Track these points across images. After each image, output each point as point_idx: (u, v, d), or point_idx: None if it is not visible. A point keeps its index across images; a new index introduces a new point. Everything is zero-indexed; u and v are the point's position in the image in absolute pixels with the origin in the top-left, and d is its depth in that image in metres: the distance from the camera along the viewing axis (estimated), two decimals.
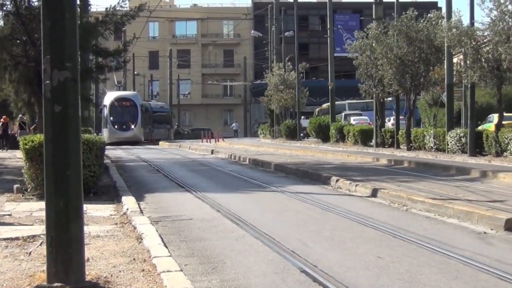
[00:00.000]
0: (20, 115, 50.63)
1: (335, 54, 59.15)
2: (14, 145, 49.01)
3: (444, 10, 38.35)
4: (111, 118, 73.44)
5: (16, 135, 51.05)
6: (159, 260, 10.07)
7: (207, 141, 68.18)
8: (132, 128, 73.84)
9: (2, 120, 49.62)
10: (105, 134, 68.91)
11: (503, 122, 35.95)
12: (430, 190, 19.84)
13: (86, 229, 9.51)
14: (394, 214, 16.03)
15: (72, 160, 8.51)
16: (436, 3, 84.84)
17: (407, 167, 30.37)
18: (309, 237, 12.88)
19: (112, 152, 46.74)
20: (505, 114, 41.58)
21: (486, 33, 32.65)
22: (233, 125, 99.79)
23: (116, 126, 73.23)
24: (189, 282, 8.72)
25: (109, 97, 76.11)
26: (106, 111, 74.25)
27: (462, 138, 34.86)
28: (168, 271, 9.32)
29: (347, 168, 29.05)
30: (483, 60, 32.30)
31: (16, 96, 39.65)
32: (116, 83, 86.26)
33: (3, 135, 50.59)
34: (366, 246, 11.91)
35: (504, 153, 31.49)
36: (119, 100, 75.21)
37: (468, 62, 33.14)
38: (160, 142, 72.41)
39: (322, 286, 9.14)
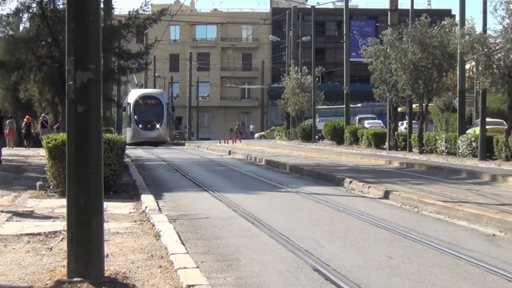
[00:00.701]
0: (43, 115, 50.86)
1: (351, 59, 58.96)
2: (36, 144, 49.29)
3: (457, 17, 38.24)
4: (135, 117, 68.38)
5: (38, 133, 51.34)
6: (176, 257, 10.09)
7: (225, 142, 68.18)
8: (157, 128, 68.22)
9: (25, 120, 49.86)
10: (128, 134, 66.79)
11: (489, 127, 36.78)
12: (441, 193, 19.78)
13: (106, 226, 9.54)
14: (405, 216, 16.01)
15: (94, 159, 8.54)
16: (450, 10, 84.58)
17: (418, 170, 30.30)
18: (323, 237, 12.88)
19: (132, 152, 46.84)
20: (491, 119, 42.45)
21: (498, 40, 32.58)
22: (250, 127, 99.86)
23: (140, 126, 67.75)
24: (205, 279, 8.73)
25: (134, 95, 71.49)
26: (130, 110, 69.43)
27: (473, 143, 34.78)
28: (185, 267, 9.33)
29: (360, 170, 29.00)
30: (495, 66, 32.23)
31: (41, 96, 39.86)
32: (136, 84, 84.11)
33: (27, 134, 50.83)
34: (377, 246, 11.90)
35: None
36: (144, 98, 70.51)
37: (480, 68, 33.07)
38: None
39: (334, 284, 9.14)
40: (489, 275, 9.76)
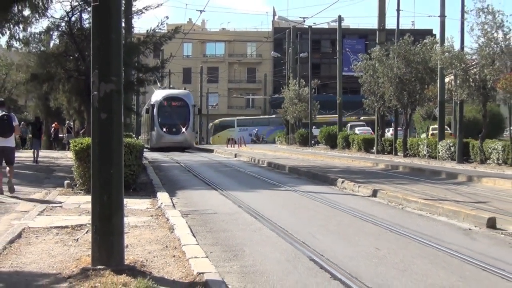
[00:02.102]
0: (67, 122, 51.12)
1: (343, 73, 59.03)
2: (63, 147, 49.58)
3: (438, 36, 38.27)
4: (159, 120, 58.03)
5: (64, 138, 51.66)
6: (188, 247, 10.08)
7: (231, 146, 68.06)
8: (183, 132, 57.82)
9: (54, 125, 50.00)
10: (151, 138, 59.82)
11: (434, 132, 38.25)
12: (423, 192, 19.79)
13: (125, 220, 9.55)
14: (391, 212, 15.99)
15: (115, 160, 8.55)
16: (431, 30, 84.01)
17: (403, 171, 30.28)
18: (318, 231, 12.86)
19: (149, 154, 46.78)
20: (436, 126, 44.05)
21: (474, 57, 32.59)
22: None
23: (164, 129, 57.54)
24: (213, 267, 8.72)
25: (157, 96, 60.40)
26: (153, 112, 58.73)
27: (451, 147, 34.86)
28: (196, 257, 9.33)
29: (351, 172, 28.98)
30: (471, 80, 32.31)
31: (68, 105, 40.04)
32: (159, 86, 69.19)
33: (55, 138, 51.03)
34: (366, 239, 11.88)
35: (488, 160, 31.44)
36: (168, 99, 59.63)
37: (458, 81, 33.16)
38: None
39: (328, 273, 9.12)
40: (466, 265, 9.74)
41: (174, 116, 57.65)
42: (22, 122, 50.52)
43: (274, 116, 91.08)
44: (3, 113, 17.64)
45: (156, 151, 54.78)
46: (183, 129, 57.68)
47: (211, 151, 56.65)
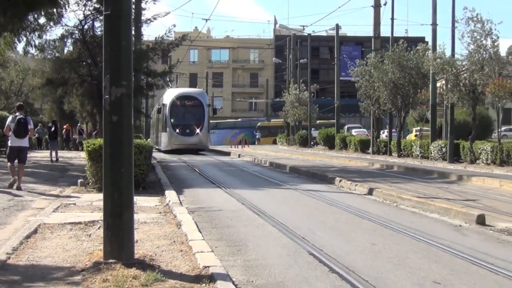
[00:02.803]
0: (79, 124, 51.24)
1: (341, 78, 59.09)
2: (74, 147, 49.74)
3: (430, 43, 38.28)
4: (172, 120, 51.14)
5: (76, 139, 51.84)
6: (194, 242, 10.08)
7: (235, 147, 68.02)
8: (197, 133, 51.08)
9: (65, 127, 50.10)
10: (163, 140, 52.95)
11: (418, 133, 38.42)
12: (416, 190, 19.76)
13: (135, 216, 9.55)
14: (386, 209, 15.98)
15: (126, 160, 8.55)
16: (423, 37, 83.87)
17: (397, 170, 30.26)
18: (317, 227, 12.86)
19: (158, 155, 46.72)
20: (424, 128, 44.69)
21: (464, 63, 32.64)
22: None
23: (177, 130, 50.65)
24: (218, 261, 8.72)
25: (170, 95, 53.23)
26: (165, 112, 51.94)
27: (442, 148, 34.87)
28: (202, 251, 9.33)
29: (348, 171, 28.97)
30: (461, 84, 32.37)
31: (82, 108, 40.09)
32: (170, 86, 63.68)
33: (67, 138, 51.16)
34: (363, 235, 11.88)
35: (477, 161, 31.46)
36: (182, 98, 52.77)
37: (449, 86, 33.24)
38: None
39: (327, 266, 9.11)
40: (457, 259, 9.73)
41: (187, 116, 51.51)
42: (40, 124, 50.72)
43: (240, 119, 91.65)
44: (20, 116, 18.48)
45: (168, 153, 49.59)
46: (197, 130, 51.00)
47: (227, 154, 51.52)
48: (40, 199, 16.44)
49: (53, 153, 33.30)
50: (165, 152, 50.17)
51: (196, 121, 51.22)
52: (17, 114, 18.71)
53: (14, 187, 18.08)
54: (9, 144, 18.88)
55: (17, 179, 18.29)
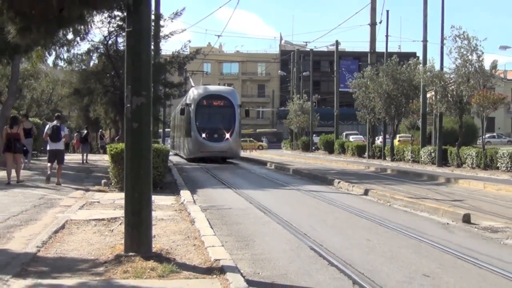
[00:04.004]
0: (100, 130, 51.31)
1: (340, 89, 59.05)
2: (95, 151, 49.81)
3: (421, 58, 38.23)
4: (197, 123, 39.49)
5: (98, 143, 51.95)
6: (206, 238, 10.07)
7: (244, 151, 68.03)
8: (227, 138, 39.36)
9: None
10: (187, 146, 41.31)
11: (401, 139, 38.76)
12: (408, 191, 19.74)
13: (153, 213, 9.55)
14: (380, 208, 15.95)
15: (145, 163, 8.56)
16: (415, 53, 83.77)
17: (390, 173, 30.22)
18: (317, 224, 12.84)
19: (174, 158, 46.66)
20: (403, 134, 45.12)
21: (452, 76, 32.60)
22: (263, 140, 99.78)
23: (204, 135, 39.07)
24: (228, 255, 8.71)
25: (195, 94, 40.88)
26: (190, 113, 39.99)
27: (432, 153, 34.81)
28: (213, 246, 9.32)
29: (346, 173, 28.94)
30: (449, 95, 32.34)
31: (105, 115, 40.16)
32: (192, 85, 49.26)
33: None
34: (359, 232, 11.85)
35: (463, 165, 31.40)
36: (209, 97, 40.62)
37: (438, 97, 33.21)
38: None
39: (326, 260, 9.10)
40: (444, 254, 9.71)
41: (216, 119, 39.79)
42: (68, 130, 50.89)
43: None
44: (55, 124, 20.09)
45: (193, 161, 40.23)
46: (227, 135, 39.44)
47: (263, 163, 39.71)
48: (68, 197, 16.47)
49: (84, 156, 34.51)
50: (189, 160, 41.04)
51: (225, 124, 39.62)
52: (54, 122, 20.27)
53: (54, 183, 19.37)
54: (48, 148, 20.51)
55: (57, 178, 19.61)
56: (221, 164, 38.23)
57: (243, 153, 52.18)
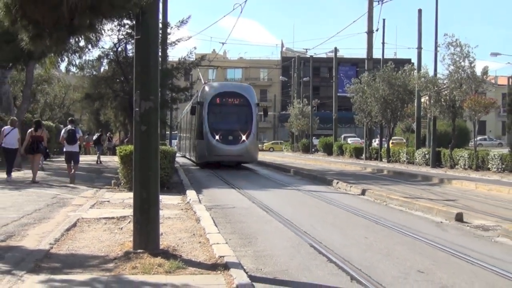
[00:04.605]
0: (108, 133, 51.40)
1: (338, 94, 59.03)
2: (104, 152, 49.99)
3: (416, 64, 38.25)
4: (210, 124, 33.46)
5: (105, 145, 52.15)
6: (211, 235, 10.07)
7: None
8: (243, 141, 33.36)
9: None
10: (199, 149, 34.61)
11: (394, 142, 39.86)
12: (403, 191, 19.73)
13: (161, 212, 9.55)
14: (377, 208, 15.94)
15: (153, 164, 8.56)
16: (410, 59, 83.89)
17: (386, 174, 30.19)
18: (317, 222, 12.83)
19: (180, 159, 46.63)
20: (396, 137, 46.27)
21: (445, 81, 32.61)
22: (265, 142, 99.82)
23: (217, 137, 33.00)
24: (232, 252, 8.70)
25: (208, 91, 35.07)
26: (202, 113, 33.92)
27: (426, 155, 34.77)
28: (217, 243, 9.31)
29: (344, 174, 28.92)
30: (443, 100, 32.36)
31: (115, 118, 40.18)
32: (203, 82, 41.10)
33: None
34: (356, 230, 11.85)
35: (456, 166, 31.36)
36: (223, 95, 34.50)
37: (431, 101, 33.19)
38: None
39: (325, 257, 9.09)
40: (438, 251, 9.70)
41: (231, 119, 33.99)
42: (83, 132, 51.01)
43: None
44: (70, 128, 21.09)
45: (199, 165, 35.63)
46: (243, 137, 33.42)
47: (286, 170, 33.19)
48: (79, 197, 16.48)
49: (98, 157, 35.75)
50: (199, 164, 35.67)
51: (242, 125, 33.80)
52: (69, 126, 21.32)
53: (67, 182, 20.28)
54: (64, 150, 21.62)
55: (72, 177, 20.57)
56: (231, 167, 34.42)
57: None
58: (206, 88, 35.72)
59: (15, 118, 22.46)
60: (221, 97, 34.25)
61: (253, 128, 33.68)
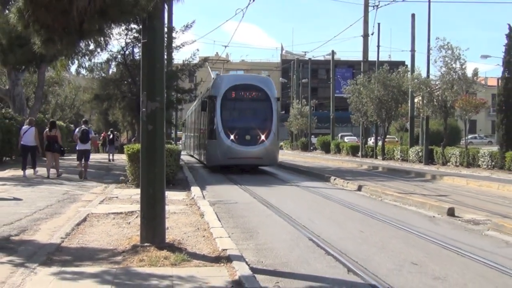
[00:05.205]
0: (115, 132, 51.43)
1: (335, 95, 58.92)
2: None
3: (409, 66, 38.21)
4: (223, 122, 26.80)
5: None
6: (215, 229, 10.08)
7: None
8: (262, 141, 26.66)
9: (102, 134, 50.25)
10: (210, 151, 27.68)
11: (386, 140, 42.73)
12: (397, 187, 19.72)
13: (166, 207, 9.56)
14: (372, 203, 15.94)
15: (159, 162, 8.58)
16: (404, 61, 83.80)
17: (381, 171, 30.17)
18: (315, 217, 12.84)
19: (185, 157, 46.52)
20: (389, 136, 46.05)
21: (437, 82, 32.56)
22: None
23: (232, 137, 26.45)
24: (234, 245, 8.72)
25: (221, 84, 28.00)
26: (214, 109, 27.07)
27: (419, 152, 34.73)
28: (221, 237, 9.33)
29: (341, 171, 28.90)
30: (435, 100, 32.32)
31: (123, 118, 40.18)
32: (212, 77, 35.68)
33: (103, 143, 51.43)
34: (353, 224, 11.85)
35: (448, 163, 31.33)
36: (239, 88, 27.76)
37: (424, 101, 33.15)
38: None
39: (323, 249, 9.10)
40: (430, 244, 9.70)
41: (248, 116, 27.64)
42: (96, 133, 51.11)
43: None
44: (84, 128, 21.52)
45: (210, 168, 29.23)
46: (263, 137, 26.82)
47: (286, 167, 32.90)
48: (89, 193, 16.51)
49: (111, 155, 36.26)
50: (211, 168, 29.14)
51: (260, 122, 27.32)
52: (82, 126, 21.76)
53: (83, 177, 20.80)
54: (77, 148, 21.79)
55: (84, 172, 21.12)
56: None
57: None
58: (219, 80, 28.93)
59: (32, 118, 23.42)
60: (236, 91, 27.73)
61: (273, 126, 27.34)
